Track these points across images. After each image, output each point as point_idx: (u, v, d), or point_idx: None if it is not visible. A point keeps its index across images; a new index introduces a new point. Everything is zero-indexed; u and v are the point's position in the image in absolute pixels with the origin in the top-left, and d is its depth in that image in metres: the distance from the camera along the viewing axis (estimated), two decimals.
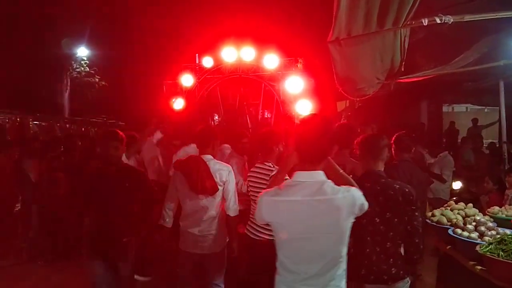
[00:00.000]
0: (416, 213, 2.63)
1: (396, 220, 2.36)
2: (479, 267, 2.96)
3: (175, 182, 3.65)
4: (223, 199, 3.62)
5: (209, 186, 3.49)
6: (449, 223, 3.58)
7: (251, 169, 3.85)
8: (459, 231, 3.31)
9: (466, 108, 16.13)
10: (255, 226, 3.60)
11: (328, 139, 2.14)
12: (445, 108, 14.32)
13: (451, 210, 3.81)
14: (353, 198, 2.08)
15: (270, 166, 3.66)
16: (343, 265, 2.13)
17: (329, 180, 2.11)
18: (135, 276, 5.26)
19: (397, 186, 2.61)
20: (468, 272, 3.09)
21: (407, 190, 2.62)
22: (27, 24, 11.23)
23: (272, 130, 4.03)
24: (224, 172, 3.58)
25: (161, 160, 5.61)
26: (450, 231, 3.39)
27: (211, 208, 3.55)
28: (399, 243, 2.65)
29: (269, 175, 3.56)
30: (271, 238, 3.33)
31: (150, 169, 5.54)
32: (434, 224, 3.64)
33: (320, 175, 2.11)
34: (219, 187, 3.53)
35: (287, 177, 2.31)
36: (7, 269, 5.72)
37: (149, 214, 3.88)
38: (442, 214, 3.72)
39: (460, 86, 7.14)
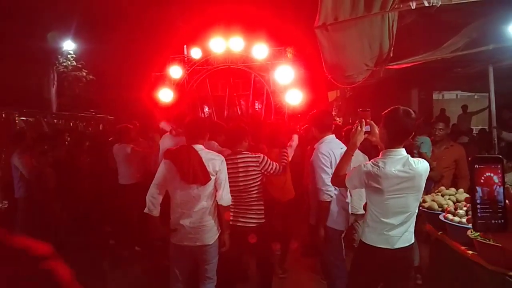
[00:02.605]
0: None
1: None
2: (470, 252, 2.96)
3: (164, 171, 3.54)
4: (215, 189, 3.56)
5: (201, 175, 3.42)
6: (440, 209, 3.57)
7: (229, 159, 3.87)
8: (450, 216, 3.30)
9: (456, 95, 16.20)
10: (242, 215, 3.89)
11: (411, 124, 2.78)
12: (435, 96, 14.34)
13: (442, 195, 3.81)
14: (427, 167, 2.81)
15: (249, 154, 3.95)
16: (415, 217, 2.88)
17: (408, 155, 2.81)
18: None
19: None
20: (460, 257, 3.09)
21: None
22: (12, 17, 11.01)
23: (240, 124, 4.30)
24: (217, 162, 3.52)
25: None
26: (441, 217, 3.38)
27: (202, 199, 3.48)
28: None
29: (257, 161, 3.89)
30: (255, 225, 3.85)
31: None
32: (425, 210, 3.63)
33: (403, 151, 2.81)
34: (211, 176, 3.47)
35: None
36: None
37: None
38: (433, 200, 3.71)
39: (449, 72, 7.08)
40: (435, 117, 4.87)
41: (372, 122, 2.92)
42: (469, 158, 1.17)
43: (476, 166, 1.13)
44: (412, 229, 2.89)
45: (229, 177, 3.67)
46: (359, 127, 2.92)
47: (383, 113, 2.83)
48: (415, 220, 2.90)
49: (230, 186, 3.67)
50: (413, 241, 2.90)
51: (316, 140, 3.98)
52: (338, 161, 3.51)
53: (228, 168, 3.70)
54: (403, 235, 2.83)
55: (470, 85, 9.70)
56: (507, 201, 1.12)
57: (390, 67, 4.88)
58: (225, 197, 3.55)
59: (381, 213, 2.84)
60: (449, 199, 3.72)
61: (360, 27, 4.17)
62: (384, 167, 2.76)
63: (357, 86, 5.73)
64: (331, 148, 3.81)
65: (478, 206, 1.12)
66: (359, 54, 4.59)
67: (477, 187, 1.13)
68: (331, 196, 3.74)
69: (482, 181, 1.12)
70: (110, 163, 6.64)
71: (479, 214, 1.12)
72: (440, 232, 3.46)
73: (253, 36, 8.73)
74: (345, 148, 3.51)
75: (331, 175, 3.64)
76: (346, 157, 3.04)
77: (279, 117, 8.56)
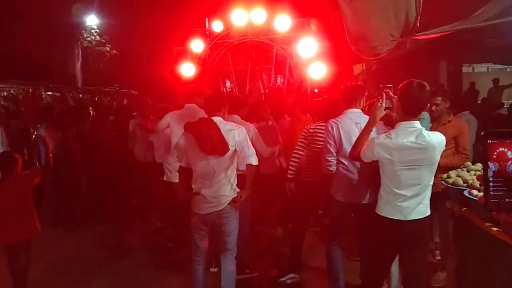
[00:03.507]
0: None
1: None
2: (495, 229, 2.87)
3: (183, 142, 3.62)
4: (235, 159, 3.60)
5: (219, 147, 3.46)
6: (465, 184, 3.47)
7: (317, 125, 4.36)
8: (475, 192, 3.20)
9: (487, 68, 15.56)
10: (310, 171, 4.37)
11: (424, 97, 2.84)
12: (465, 69, 13.80)
13: (468, 171, 3.70)
14: (442, 139, 2.85)
15: None
16: (430, 189, 2.92)
17: (423, 127, 2.83)
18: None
19: None
20: (484, 234, 3.02)
21: None
22: None
23: (337, 98, 4.24)
24: (235, 131, 3.55)
25: None
26: (465, 193, 3.29)
27: (222, 169, 3.53)
28: None
29: None
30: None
31: None
32: (450, 185, 3.53)
33: (417, 124, 2.85)
34: (230, 147, 3.50)
35: None
36: None
37: None
38: (458, 175, 3.61)
39: (480, 43, 6.74)
40: (432, 90, 4.17)
41: (394, 97, 2.92)
42: (481, 133, 1.09)
43: (489, 141, 1.06)
44: (427, 201, 2.92)
45: (320, 142, 4.10)
46: (379, 103, 2.97)
47: (398, 86, 2.84)
48: (431, 193, 2.92)
49: (318, 150, 4.08)
50: (428, 213, 2.93)
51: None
52: (344, 135, 3.71)
53: (320, 134, 4.15)
54: (417, 207, 2.88)
55: (502, 57, 9.29)
56: None
57: (417, 37, 4.67)
58: (252, 156, 3.61)
59: (393, 184, 2.90)
60: (474, 174, 3.61)
61: None
62: (396, 138, 2.82)
63: (383, 58, 5.54)
64: (341, 122, 3.79)
65: (491, 183, 1.06)
66: (384, 24, 4.40)
67: (489, 163, 1.05)
68: (331, 170, 3.83)
69: (494, 156, 1.05)
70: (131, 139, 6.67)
71: (491, 193, 1.06)
72: (465, 209, 3.37)
73: (276, 7, 8.53)
74: (362, 123, 3.44)
75: (332, 149, 3.77)
76: (364, 132, 3.10)
77: (302, 91, 8.42)
